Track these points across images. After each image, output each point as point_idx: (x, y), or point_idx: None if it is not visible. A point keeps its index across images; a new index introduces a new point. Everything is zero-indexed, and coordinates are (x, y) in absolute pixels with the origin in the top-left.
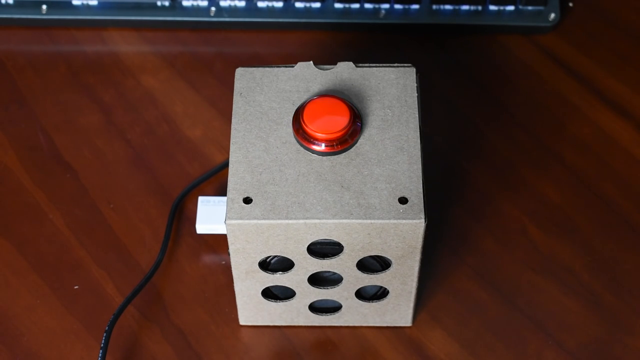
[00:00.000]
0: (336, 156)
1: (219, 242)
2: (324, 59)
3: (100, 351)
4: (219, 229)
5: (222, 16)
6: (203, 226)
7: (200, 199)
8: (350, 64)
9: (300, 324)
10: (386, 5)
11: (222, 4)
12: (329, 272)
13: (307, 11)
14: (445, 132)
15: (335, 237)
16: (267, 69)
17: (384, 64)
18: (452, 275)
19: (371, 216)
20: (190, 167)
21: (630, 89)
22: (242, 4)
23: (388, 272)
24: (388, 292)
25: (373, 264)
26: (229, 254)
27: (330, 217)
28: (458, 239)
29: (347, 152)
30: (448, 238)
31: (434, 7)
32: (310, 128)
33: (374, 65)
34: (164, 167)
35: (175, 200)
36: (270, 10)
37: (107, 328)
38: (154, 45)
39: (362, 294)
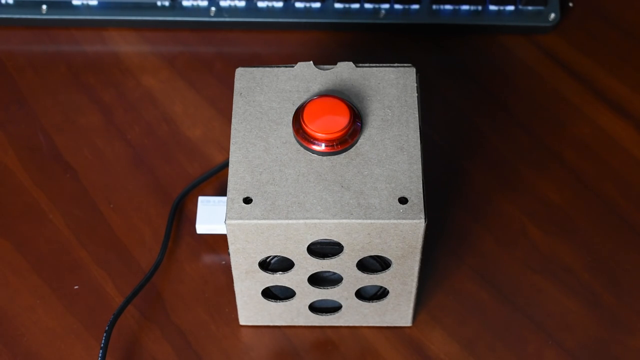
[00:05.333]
0: (336, 156)
1: (219, 242)
2: (324, 59)
3: (100, 351)
4: (219, 229)
5: (222, 16)
6: (203, 226)
7: (200, 199)
8: (350, 64)
9: (300, 324)
10: (386, 5)
11: (222, 4)
12: (329, 272)
13: (307, 11)
14: (445, 132)
15: (335, 237)
16: (267, 69)
17: (384, 64)
18: (452, 275)
19: (371, 216)
20: (190, 167)
21: (630, 89)
22: (242, 4)
23: (388, 272)
24: (388, 292)
25: (373, 264)
26: (229, 254)
27: (330, 217)
28: (458, 239)
29: (347, 152)
30: (448, 238)
31: (434, 7)
32: (310, 128)
33: (374, 65)
34: (164, 167)
35: (175, 200)
36: (270, 10)
37: (107, 328)
38: (154, 45)
39: (362, 294)
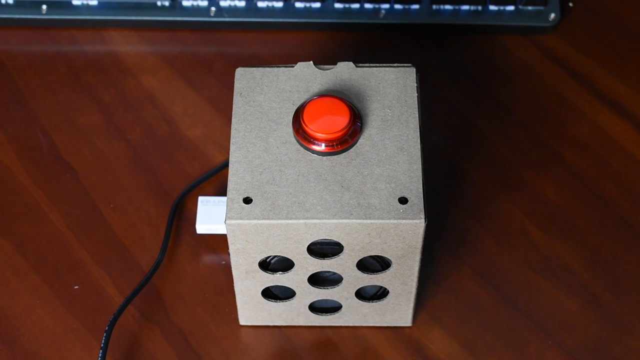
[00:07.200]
0: (336, 156)
1: (219, 242)
2: (324, 59)
3: (100, 351)
4: (219, 229)
5: (222, 16)
6: (203, 226)
7: (200, 199)
8: (350, 64)
9: (300, 324)
10: (386, 5)
11: (222, 4)
12: (329, 272)
13: (307, 11)
14: (445, 132)
15: (335, 237)
16: (267, 69)
17: (384, 64)
18: (452, 275)
19: (371, 216)
20: (190, 167)
21: (630, 89)
22: (242, 4)
23: (388, 272)
24: (388, 292)
25: (373, 264)
26: (229, 254)
27: (330, 217)
28: (458, 239)
29: (347, 152)
30: (448, 238)
31: (434, 7)
32: (310, 128)
33: (374, 65)
34: (164, 167)
35: (175, 200)
36: (270, 10)
37: (107, 328)
38: (154, 45)
39: (362, 294)
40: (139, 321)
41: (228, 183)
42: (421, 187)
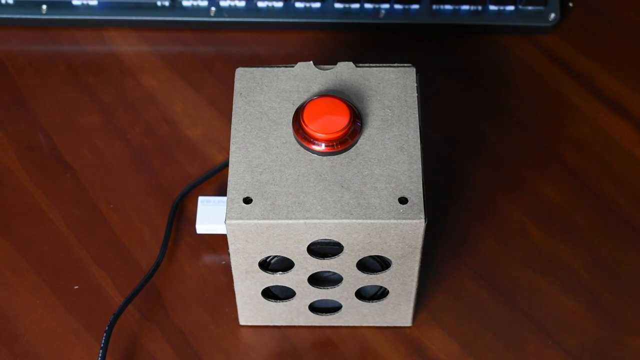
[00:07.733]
0: (336, 156)
1: (219, 242)
2: (324, 59)
3: (100, 351)
4: (219, 229)
5: (222, 16)
6: (203, 226)
7: (200, 199)
8: (350, 64)
9: (300, 324)
10: (386, 5)
11: (222, 4)
12: (329, 272)
13: (307, 11)
14: (445, 132)
15: (335, 237)
16: (267, 69)
17: (384, 64)
18: (452, 275)
19: (371, 216)
20: (190, 167)
21: (630, 89)
22: (242, 4)
23: (388, 272)
24: (388, 292)
25: (373, 264)
26: (229, 254)
27: (330, 217)
28: (458, 239)
29: (347, 152)
30: (448, 238)
31: (434, 7)
32: (310, 128)
33: (374, 65)
34: (164, 167)
35: (175, 200)
36: (270, 10)
37: (107, 328)
38: (154, 45)
39: (362, 294)
40: (139, 321)
41: (228, 183)
42: (421, 187)
